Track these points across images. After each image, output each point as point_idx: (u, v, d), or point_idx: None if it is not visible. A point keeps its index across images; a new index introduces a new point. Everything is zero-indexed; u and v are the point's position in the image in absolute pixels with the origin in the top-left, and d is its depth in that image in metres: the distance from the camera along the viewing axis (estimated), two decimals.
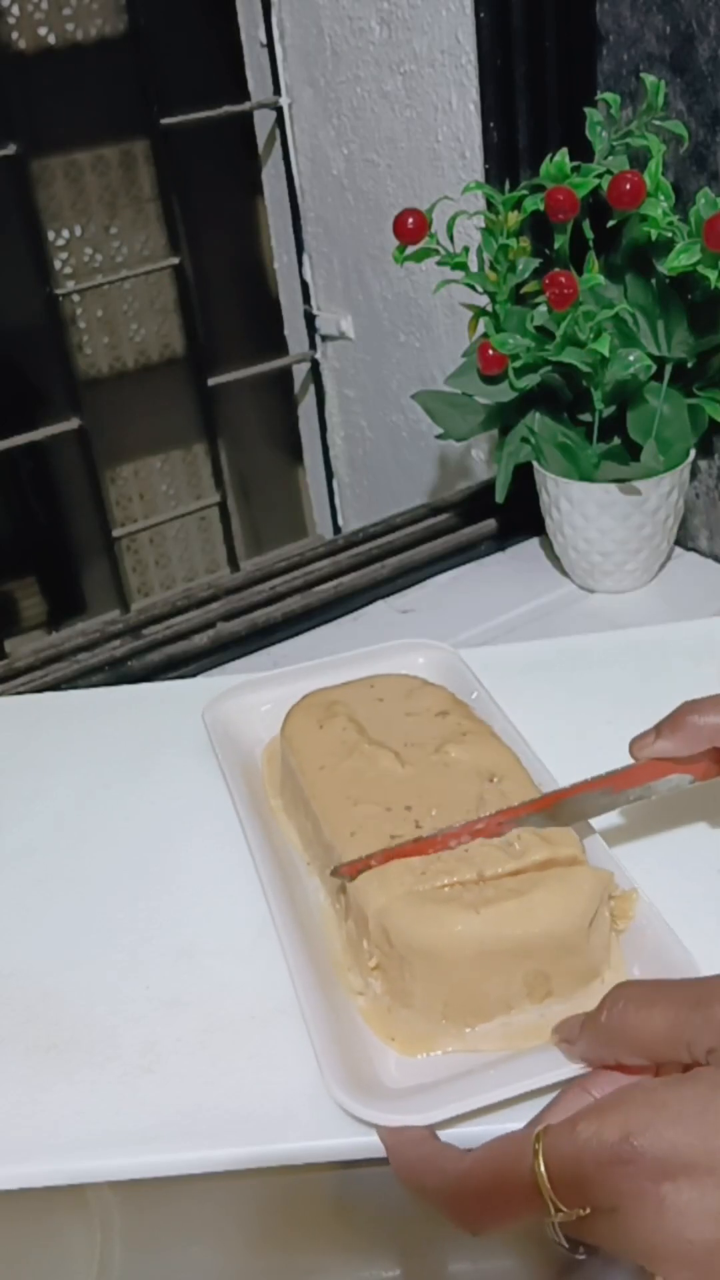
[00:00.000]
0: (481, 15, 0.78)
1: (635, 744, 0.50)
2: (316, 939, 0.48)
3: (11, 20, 1.00)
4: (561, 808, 0.49)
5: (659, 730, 0.49)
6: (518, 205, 0.74)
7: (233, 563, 1.14)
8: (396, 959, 0.44)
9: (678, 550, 0.85)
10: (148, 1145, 0.41)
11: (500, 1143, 0.37)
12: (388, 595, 0.85)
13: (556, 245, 0.75)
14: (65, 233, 1.10)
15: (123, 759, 0.62)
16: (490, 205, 0.75)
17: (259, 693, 0.62)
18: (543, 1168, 0.35)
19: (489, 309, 0.77)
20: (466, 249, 0.75)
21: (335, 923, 0.49)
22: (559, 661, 0.65)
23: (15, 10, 1.00)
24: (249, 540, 1.29)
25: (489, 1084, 0.41)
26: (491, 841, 0.46)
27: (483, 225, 0.75)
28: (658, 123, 0.72)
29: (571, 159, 0.73)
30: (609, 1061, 0.39)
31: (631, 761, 0.50)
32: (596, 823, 0.50)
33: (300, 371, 1.18)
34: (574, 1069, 0.40)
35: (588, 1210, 0.34)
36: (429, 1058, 0.44)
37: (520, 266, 0.75)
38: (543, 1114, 0.39)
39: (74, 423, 0.99)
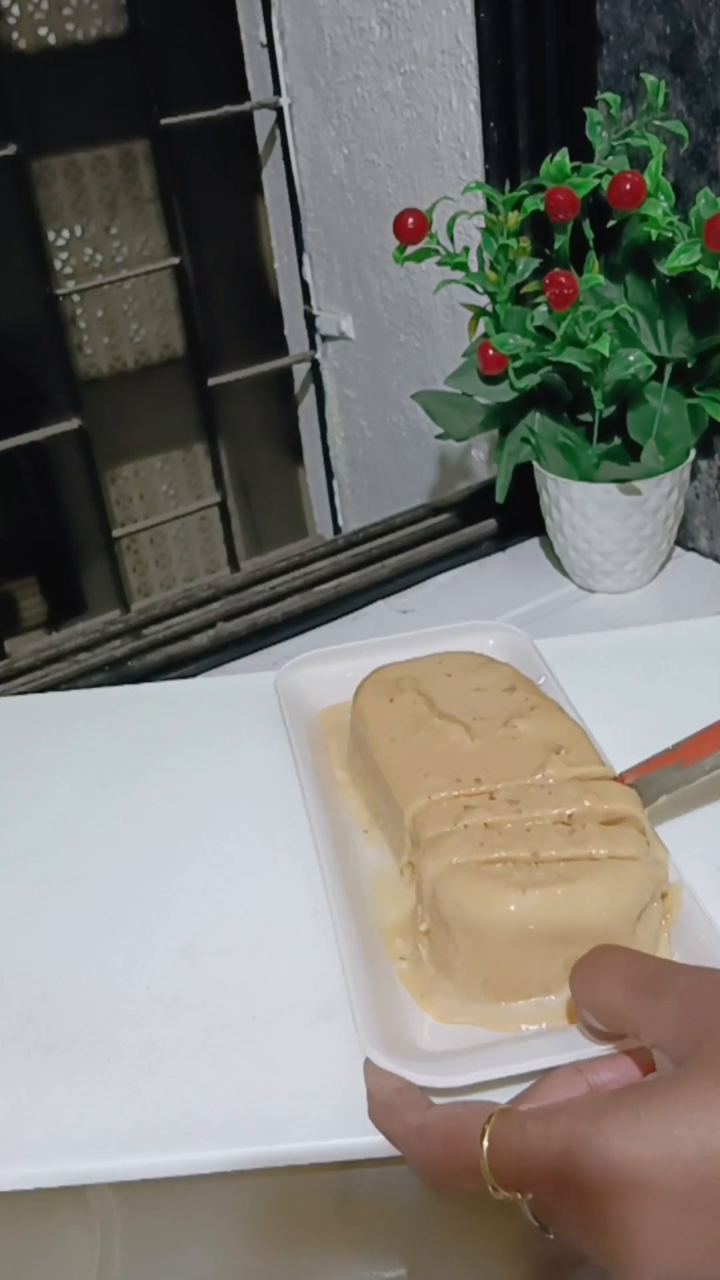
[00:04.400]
0: (481, 15, 0.78)
1: None
2: (364, 905, 0.49)
3: (11, 20, 1.00)
4: (638, 787, 0.50)
5: None
6: (518, 205, 0.74)
7: (233, 563, 1.14)
8: (443, 927, 0.44)
9: (678, 550, 0.85)
10: (149, 1146, 0.41)
11: (458, 1110, 0.38)
12: (388, 595, 0.85)
13: (556, 245, 0.75)
14: (65, 233, 1.10)
15: (123, 759, 0.62)
16: (490, 205, 0.75)
17: (328, 665, 0.63)
18: (485, 1150, 0.35)
19: (489, 309, 0.77)
20: (466, 249, 0.75)
21: (394, 889, 0.50)
22: (559, 661, 0.65)
23: (15, 10, 1.00)
24: (249, 540, 1.29)
25: (520, 1055, 0.41)
26: (555, 825, 0.46)
27: (483, 225, 0.75)
28: (658, 123, 0.72)
29: (571, 159, 0.73)
30: (584, 1019, 0.39)
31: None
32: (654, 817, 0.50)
33: (300, 371, 1.18)
34: (602, 1048, 0.40)
35: (528, 1195, 0.35)
36: (463, 1027, 0.44)
37: (520, 266, 0.75)
38: (525, 1093, 0.39)
39: (74, 423, 0.99)
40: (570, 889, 0.43)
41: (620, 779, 0.50)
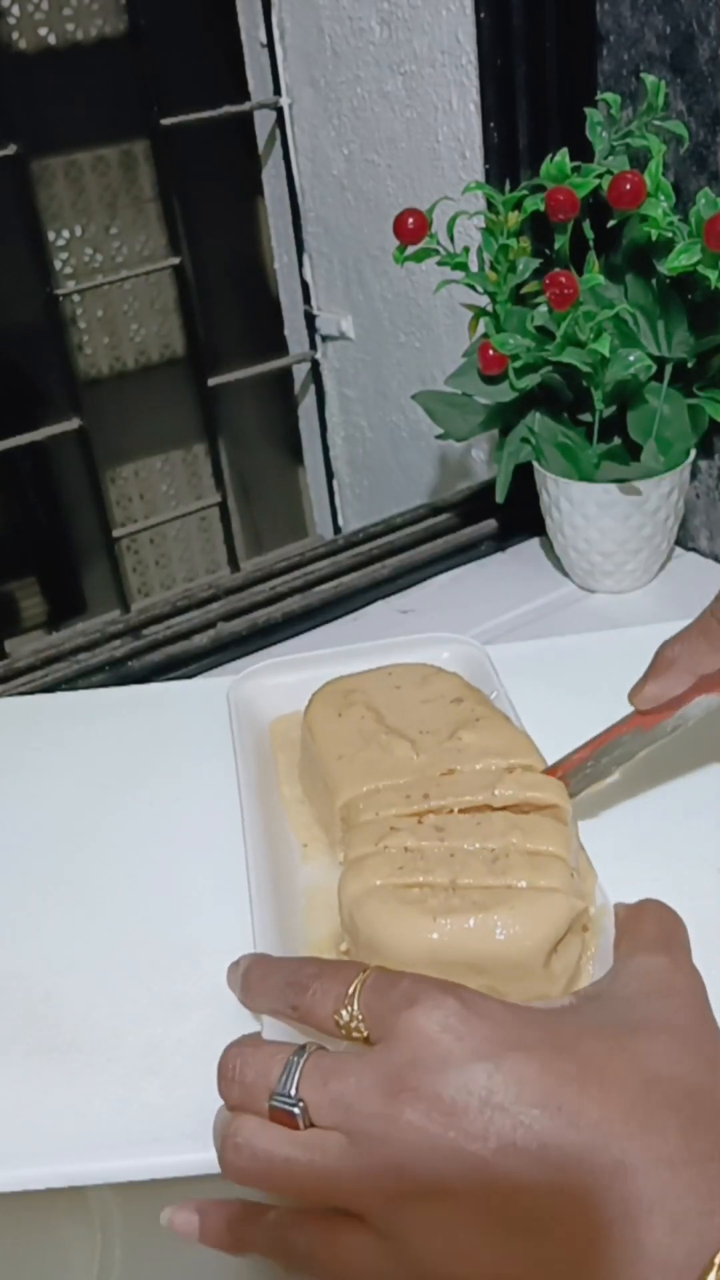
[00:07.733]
0: (481, 15, 0.78)
1: (631, 694, 0.51)
2: (295, 921, 0.49)
3: (11, 20, 1.00)
4: (603, 754, 0.51)
5: (646, 677, 0.50)
6: (518, 205, 0.74)
7: (233, 563, 1.14)
8: (359, 949, 0.44)
9: (678, 550, 0.85)
10: (150, 1147, 0.41)
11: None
12: (388, 595, 0.85)
13: (556, 245, 0.75)
14: (65, 233, 1.10)
15: (123, 760, 0.62)
16: (490, 205, 0.75)
17: (282, 676, 0.62)
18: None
19: (489, 309, 0.77)
20: (466, 249, 0.75)
21: (327, 906, 0.49)
22: (559, 661, 0.65)
23: (15, 10, 1.00)
24: (249, 540, 1.29)
25: None
26: (479, 852, 0.46)
27: (483, 225, 0.75)
28: (658, 123, 0.72)
29: (572, 159, 0.73)
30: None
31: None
32: (589, 841, 0.50)
33: (300, 371, 1.18)
34: None
35: None
36: None
37: (520, 266, 0.75)
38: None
39: (74, 423, 0.99)
40: (482, 918, 0.42)
41: (587, 750, 0.51)
